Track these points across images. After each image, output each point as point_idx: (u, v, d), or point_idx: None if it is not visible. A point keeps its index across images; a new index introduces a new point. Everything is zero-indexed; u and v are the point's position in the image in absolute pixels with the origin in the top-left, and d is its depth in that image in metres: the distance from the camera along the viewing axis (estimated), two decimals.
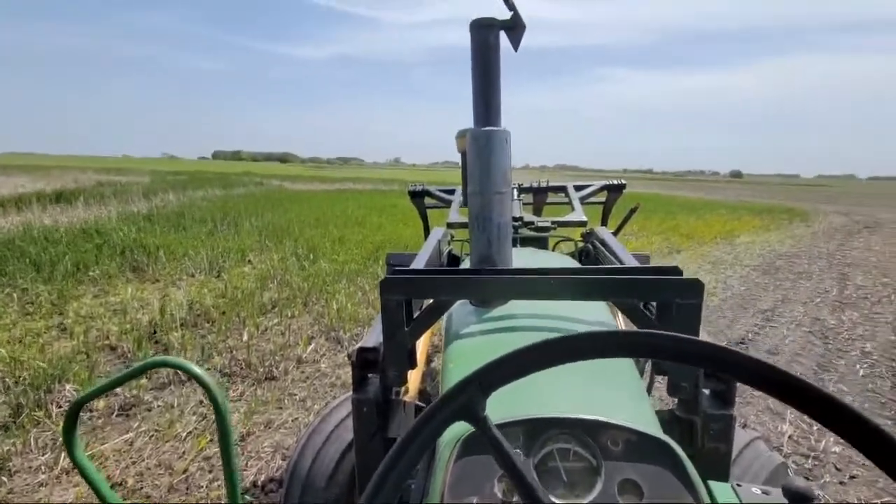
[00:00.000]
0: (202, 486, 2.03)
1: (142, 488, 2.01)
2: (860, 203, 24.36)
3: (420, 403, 1.10)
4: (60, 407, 2.62)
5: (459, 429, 0.63)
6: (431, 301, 0.95)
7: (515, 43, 1.10)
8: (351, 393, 1.42)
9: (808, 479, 2.16)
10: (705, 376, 0.88)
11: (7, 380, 2.81)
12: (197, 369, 0.75)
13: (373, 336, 1.01)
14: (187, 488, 2.02)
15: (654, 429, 0.66)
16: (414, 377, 1.17)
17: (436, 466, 0.67)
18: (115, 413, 2.59)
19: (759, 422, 2.64)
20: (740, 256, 7.76)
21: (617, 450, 0.62)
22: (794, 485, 0.55)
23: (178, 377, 3.01)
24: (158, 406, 2.69)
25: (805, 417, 2.63)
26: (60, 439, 2.27)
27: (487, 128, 1.09)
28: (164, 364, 0.78)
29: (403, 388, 1.07)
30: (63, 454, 2.17)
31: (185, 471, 2.12)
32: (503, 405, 0.67)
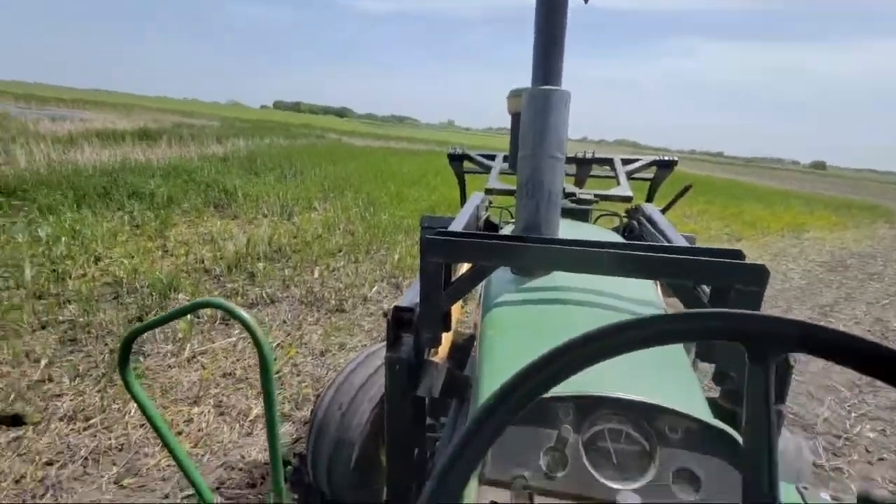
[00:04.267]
0: (293, 385, 2.46)
1: (247, 378, 2.47)
2: None
3: (449, 367, 1.09)
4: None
5: None
6: (471, 266, 0.93)
7: None
8: (369, 351, 1.50)
9: (835, 455, 2.29)
10: None
11: (135, 284, 3.40)
12: (243, 313, 0.70)
13: (409, 296, 1.00)
14: (281, 384, 2.46)
15: (709, 416, 0.63)
16: (445, 339, 1.19)
17: None
18: (217, 321, 3.08)
19: (796, 402, 2.74)
20: (806, 251, 7.41)
21: (675, 437, 0.59)
22: (871, 494, 0.48)
23: (265, 298, 3.48)
24: None
25: (845, 404, 2.71)
26: (180, 334, 2.78)
27: (547, 87, 1.01)
28: (214, 305, 0.75)
29: (433, 349, 1.08)
30: (187, 346, 2.67)
31: (278, 371, 2.56)
32: None
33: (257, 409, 2.23)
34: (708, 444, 0.59)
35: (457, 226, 1.37)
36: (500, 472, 0.58)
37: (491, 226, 2.09)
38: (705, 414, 0.65)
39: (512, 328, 0.93)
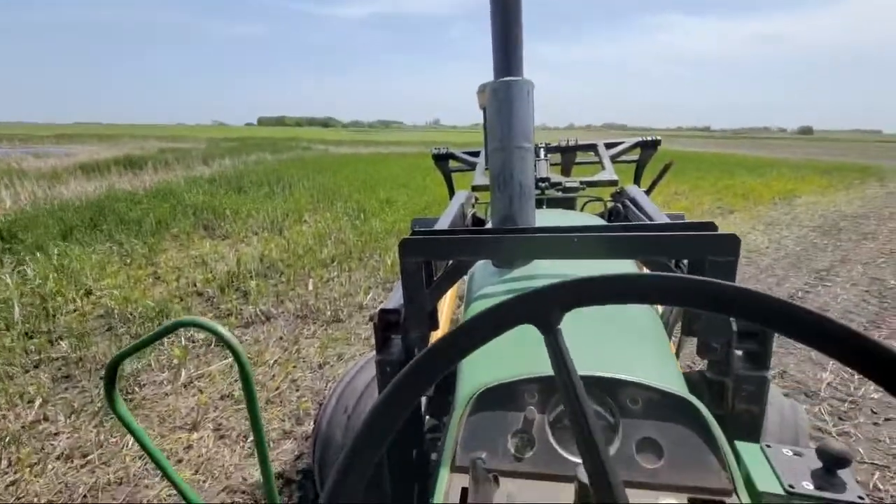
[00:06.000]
0: (292, 401, 2.43)
1: None
2: None
3: None
4: (169, 337, 3.12)
5: (474, 384, 0.67)
6: (451, 262, 0.96)
7: None
8: (370, 356, 1.50)
9: (841, 419, 2.28)
10: (739, 337, 0.83)
11: (127, 314, 3.36)
12: (222, 330, 0.73)
13: (394, 297, 1.00)
14: (281, 401, 2.43)
15: (677, 387, 0.64)
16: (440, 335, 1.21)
17: (450, 423, 0.67)
18: (213, 344, 3.06)
19: (799, 370, 2.73)
20: (799, 217, 7.41)
21: (636, 408, 0.61)
22: (829, 447, 0.51)
23: (260, 316, 3.45)
24: (246, 339, 3.14)
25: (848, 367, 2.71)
26: (175, 360, 2.75)
27: (508, 78, 1.03)
28: (193, 324, 0.77)
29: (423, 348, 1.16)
30: (182, 371, 2.65)
31: (276, 388, 2.54)
32: (518, 361, 0.68)
33: None
34: (668, 412, 0.60)
35: (442, 225, 1.37)
36: (469, 459, 0.59)
37: (478, 222, 2.06)
38: (672, 383, 0.66)
39: None
